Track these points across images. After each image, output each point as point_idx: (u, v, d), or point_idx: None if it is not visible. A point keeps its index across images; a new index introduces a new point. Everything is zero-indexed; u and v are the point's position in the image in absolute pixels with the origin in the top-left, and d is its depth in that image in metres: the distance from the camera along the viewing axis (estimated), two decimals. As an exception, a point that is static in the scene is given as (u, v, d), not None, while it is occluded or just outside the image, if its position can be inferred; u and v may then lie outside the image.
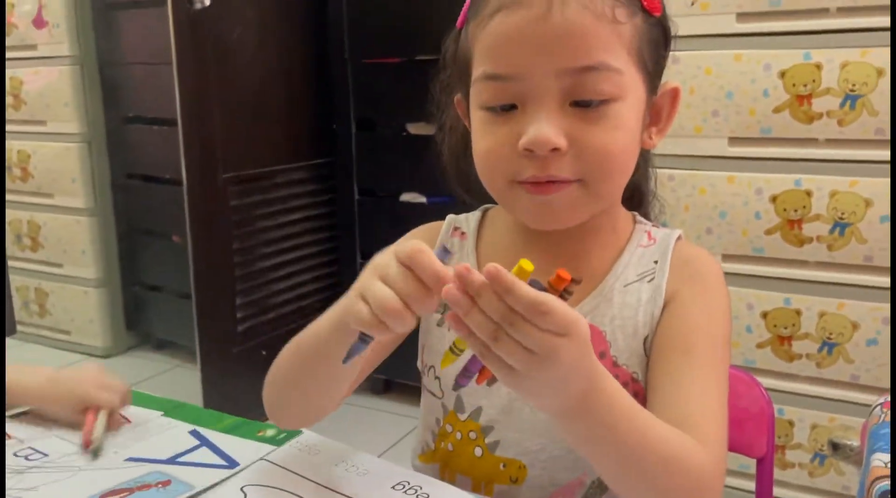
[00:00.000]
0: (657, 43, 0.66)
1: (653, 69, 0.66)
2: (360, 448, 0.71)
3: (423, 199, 2.14)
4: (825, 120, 1.48)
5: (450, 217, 0.78)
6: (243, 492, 0.63)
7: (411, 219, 2.47)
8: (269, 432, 0.73)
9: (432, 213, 2.30)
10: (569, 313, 0.47)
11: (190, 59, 1.86)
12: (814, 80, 1.48)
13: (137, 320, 2.72)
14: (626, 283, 0.69)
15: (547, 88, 0.60)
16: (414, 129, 2.14)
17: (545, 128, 0.59)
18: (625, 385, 0.65)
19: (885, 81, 1.42)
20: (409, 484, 0.64)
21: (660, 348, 0.66)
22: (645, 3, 0.63)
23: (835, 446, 1.02)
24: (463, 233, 0.74)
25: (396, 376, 2.34)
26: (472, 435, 0.69)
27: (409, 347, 2.67)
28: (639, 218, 0.75)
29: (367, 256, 2.29)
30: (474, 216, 0.77)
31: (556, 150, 0.59)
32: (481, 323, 0.47)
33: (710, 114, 1.59)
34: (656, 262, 0.70)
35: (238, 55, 2.01)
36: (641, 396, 0.66)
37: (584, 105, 0.60)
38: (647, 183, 0.78)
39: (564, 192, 0.62)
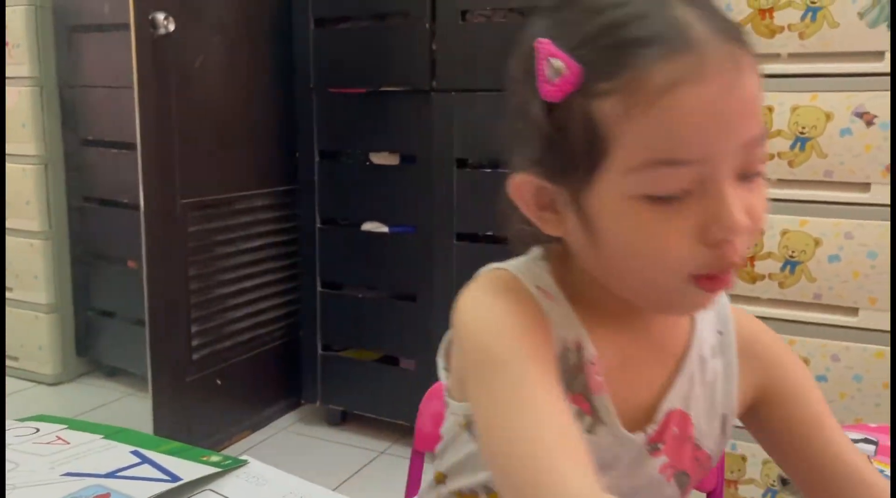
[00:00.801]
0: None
1: None
2: (316, 480, 0.69)
3: (385, 229, 2.14)
4: (777, 161, 1.52)
5: (518, 275, 0.61)
6: (185, 524, 0.61)
7: (373, 248, 2.46)
8: (214, 458, 0.71)
9: (394, 242, 2.30)
10: None
11: (151, 83, 1.85)
12: (766, 123, 1.53)
13: (89, 347, 2.66)
14: (703, 359, 0.65)
15: (728, 167, 0.52)
16: (377, 159, 2.14)
17: (738, 212, 0.51)
18: (701, 465, 0.65)
19: (834, 125, 1.47)
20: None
21: (801, 423, 0.65)
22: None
23: (783, 481, 1.04)
24: (548, 293, 0.61)
25: (354, 408, 2.31)
26: None
27: (368, 379, 2.63)
28: None
29: (327, 284, 2.28)
30: (542, 270, 0.62)
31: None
32: None
33: None
34: (721, 332, 0.66)
35: (201, 81, 2.01)
36: (705, 471, 0.66)
37: (746, 179, 0.53)
38: None
39: (729, 280, 0.55)
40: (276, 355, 2.36)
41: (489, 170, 2.03)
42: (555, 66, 0.53)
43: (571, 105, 0.53)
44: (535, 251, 0.64)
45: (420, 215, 2.08)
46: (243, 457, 0.73)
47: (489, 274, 0.63)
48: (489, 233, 2.04)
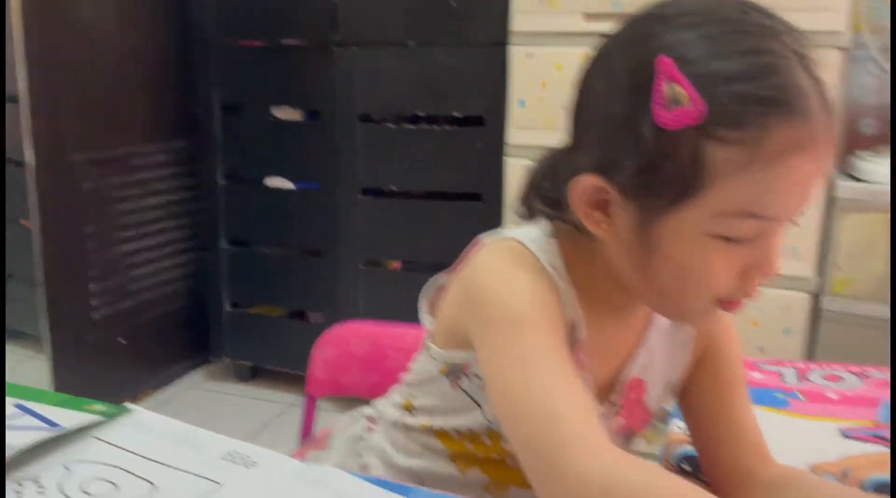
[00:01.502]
0: None
1: None
2: (224, 434, 0.70)
3: (290, 185, 2.14)
4: None
5: (535, 251, 0.63)
6: (68, 469, 0.63)
7: (278, 204, 2.45)
8: (97, 407, 0.73)
9: (299, 198, 2.30)
10: None
11: (37, 29, 1.77)
12: None
13: (-17, 310, 2.56)
14: (661, 331, 0.71)
15: (786, 222, 0.57)
16: (280, 113, 2.12)
17: (771, 266, 0.57)
18: (648, 420, 0.73)
19: None
20: (238, 453, 0.66)
21: (721, 388, 0.72)
22: None
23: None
24: (558, 272, 0.63)
25: (263, 363, 2.33)
26: (511, 461, 0.67)
27: (276, 334, 2.64)
28: None
29: (233, 241, 2.27)
30: (553, 249, 0.64)
31: None
32: None
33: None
34: None
35: (93, 29, 1.93)
36: (650, 423, 0.73)
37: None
38: None
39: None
40: (182, 313, 2.34)
41: (393, 125, 2.05)
42: (676, 93, 0.52)
43: (683, 137, 0.53)
44: (544, 226, 0.66)
45: (325, 171, 2.08)
46: (128, 405, 0.74)
47: (505, 243, 0.64)
48: (394, 188, 2.07)
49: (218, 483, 0.61)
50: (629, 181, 0.56)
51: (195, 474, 0.62)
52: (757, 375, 0.95)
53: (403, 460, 0.73)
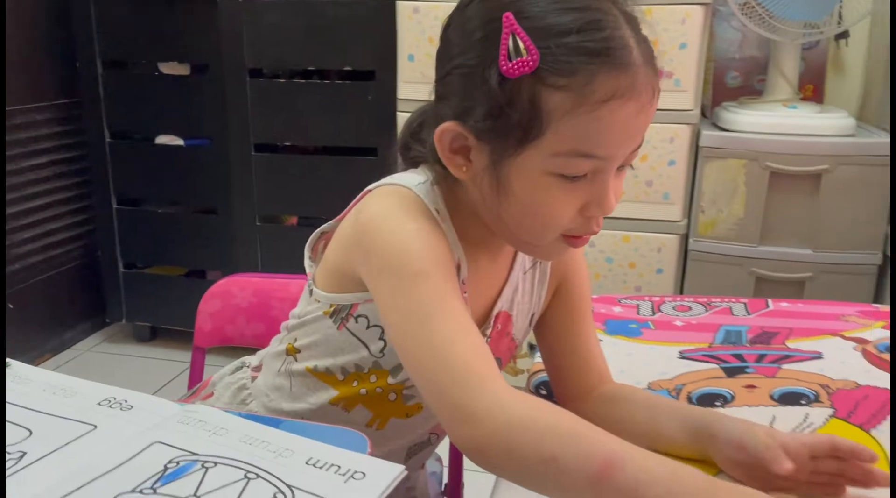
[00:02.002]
0: None
1: None
2: None
3: (180, 142, 2.10)
4: None
5: (422, 196, 0.68)
6: (-60, 421, 0.64)
7: (169, 162, 2.41)
8: (-28, 365, 0.74)
9: (190, 155, 2.27)
10: None
11: None
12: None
13: None
14: (525, 269, 0.77)
15: (616, 165, 0.63)
16: (166, 69, 2.08)
17: (612, 197, 0.63)
18: (513, 350, 0.79)
19: None
20: (115, 399, 0.69)
21: (571, 315, 0.79)
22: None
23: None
24: (442, 216, 0.69)
25: (163, 323, 2.31)
26: (392, 396, 0.73)
27: (175, 294, 2.62)
28: None
29: (123, 201, 2.22)
30: (436, 195, 0.69)
31: None
32: None
33: None
34: None
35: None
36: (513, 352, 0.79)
37: (622, 168, 0.65)
38: None
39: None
40: (75, 275, 2.29)
41: (284, 80, 2.04)
42: (516, 45, 0.59)
43: (522, 84, 0.59)
44: (426, 172, 0.70)
45: (215, 127, 2.06)
46: (8, 360, 0.76)
47: (394, 189, 0.69)
48: (287, 143, 2.07)
49: (94, 425, 0.64)
50: (481, 126, 0.62)
51: (72, 419, 0.65)
52: (616, 309, 1.04)
53: (288, 405, 0.77)
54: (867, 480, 0.61)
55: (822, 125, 1.63)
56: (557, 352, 0.80)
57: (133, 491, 0.55)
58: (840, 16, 1.67)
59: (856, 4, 1.63)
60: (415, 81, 1.78)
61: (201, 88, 2.05)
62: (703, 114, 1.87)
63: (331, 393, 0.74)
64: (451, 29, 0.66)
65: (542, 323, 0.81)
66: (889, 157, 1.59)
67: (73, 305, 2.31)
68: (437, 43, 0.68)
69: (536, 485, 0.56)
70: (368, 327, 0.71)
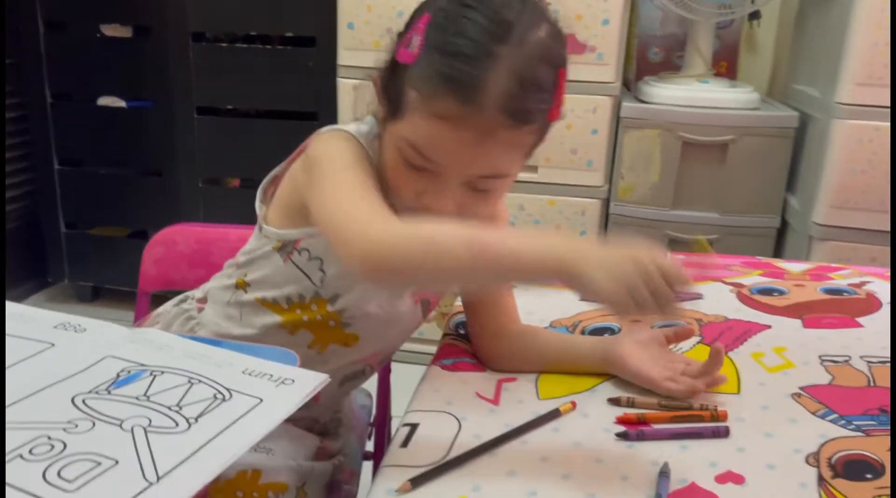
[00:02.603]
0: (547, 123, 0.75)
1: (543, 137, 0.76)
2: None
3: (122, 103, 2.13)
4: None
5: (360, 138, 0.78)
6: None
7: (111, 123, 2.45)
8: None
9: (133, 117, 2.33)
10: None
11: None
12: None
13: None
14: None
15: (457, 179, 0.71)
16: (108, 31, 2.10)
17: (440, 203, 0.72)
18: (440, 296, 0.89)
19: None
20: (69, 324, 0.77)
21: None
22: (551, 120, 0.73)
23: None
24: (371, 160, 0.79)
25: (105, 283, 2.35)
26: (332, 323, 0.83)
27: (118, 254, 2.65)
28: None
29: (65, 162, 2.24)
30: (373, 144, 0.79)
31: None
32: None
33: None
34: None
35: None
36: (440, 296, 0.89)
37: (475, 190, 0.73)
38: None
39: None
40: (16, 235, 2.30)
41: (226, 44, 2.08)
42: (412, 41, 0.70)
43: (403, 71, 0.70)
44: (372, 124, 0.80)
45: (158, 90, 2.10)
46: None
47: (342, 134, 0.78)
48: (230, 107, 2.13)
49: (52, 343, 0.72)
50: (382, 87, 0.74)
51: (30, 338, 0.73)
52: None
53: (238, 330, 0.86)
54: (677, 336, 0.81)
55: (730, 99, 1.77)
56: (475, 299, 0.89)
57: (90, 392, 0.63)
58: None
59: (765, -13, 1.77)
60: (355, 48, 1.86)
61: (144, 51, 2.08)
62: (626, 87, 2.00)
63: (276, 319, 0.84)
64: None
65: None
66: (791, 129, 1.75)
67: (15, 264, 2.33)
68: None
69: (424, 275, 0.66)
70: (310, 259, 0.81)
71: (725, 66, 2.07)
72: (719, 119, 1.74)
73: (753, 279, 1.09)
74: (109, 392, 0.64)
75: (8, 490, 0.50)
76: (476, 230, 0.64)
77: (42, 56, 2.11)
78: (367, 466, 1.05)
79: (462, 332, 0.92)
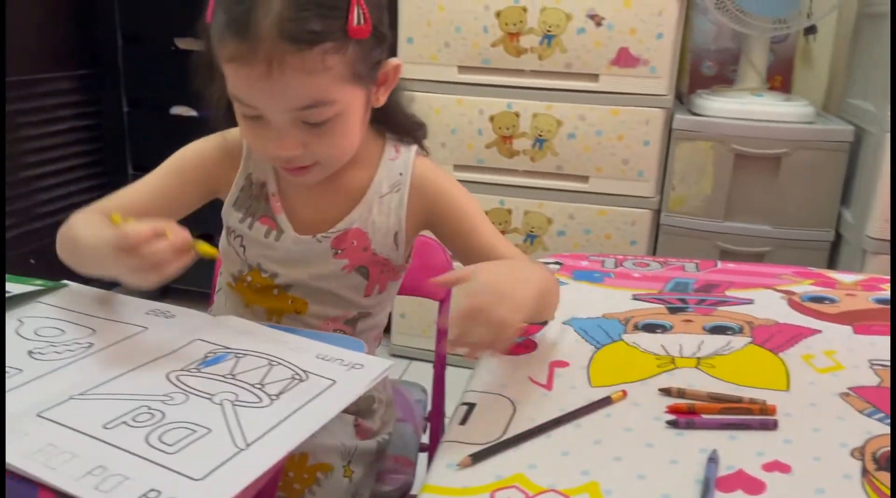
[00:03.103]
0: (370, 51, 0.76)
1: (370, 72, 0.78)
2: None
3: (193, 113, 2.24)
4: (521, 156, 1.88)
5: (232, 137, 0.89)
6: (21, 321, 0.79)
7: (183, 131, 2.61)
8: (38, 282, 0.89)
9: (203, 126, 2.46)
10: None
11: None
12: (514, 125, 1.86)
13: None
14: (381, 194, 0.88)
15: (281, 116, 0.74)
16: (183, 44, 2.21)
17: (282, 146, 0.76)
18: (383, 265, 0.91)
19: (564, 129, 1.84)
20: (160, 310, 0.84)
21: (460, 234, 0.88)
22: (353, 36, 0.73)
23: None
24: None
25: (174, 282, 2.45)
26: (276, 291, 0.90)
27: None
28: (389, 134, 0.90)
29: (138, 167, 2.36)
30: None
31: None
32: None
33: (439, 145, 1.91)
34: (401, 174, 0.88)
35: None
36: (391, 270, 0.91)
37: (312, 124, 0.76)
38: (408, 108, 0.93)
39: (311, 173, 0.81)
40: (89, 237, 2.42)
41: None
42: (210, 4, 0.75)
43: (212, 36, 0.75)
44: None
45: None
46: (65, 281, 0.91)
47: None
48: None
49: (145, 327, 0.79)
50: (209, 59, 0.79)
51: (126, 322, 0.80)
52: (584, 263, 1.19)
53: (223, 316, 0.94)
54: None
55: (784, 112, 1.78)
56: (463, 255, 0.90)
57: (182, 370, 0.70)
58: (809, 11, 1.82)
59: (823, 1, 1.78)
60: (413, 62, 1.92)
61: (214, 63, 2.18)
62: (679, 100, 2.02)
63: (240, 299, 0.93)
64: None
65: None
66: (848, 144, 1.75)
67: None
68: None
69: (78, 259, 0.80)
70: (229, 234, 0.92)
71: (780, 80, 2.08)
72: (773, 132, 1.75)
73: (804, 287, 1.11)
74: (199, 370, 0.70)
75: (114, 451, 0.57)
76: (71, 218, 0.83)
77: (119, 67, 2.24)
78: (423, 457, 1.10)
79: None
